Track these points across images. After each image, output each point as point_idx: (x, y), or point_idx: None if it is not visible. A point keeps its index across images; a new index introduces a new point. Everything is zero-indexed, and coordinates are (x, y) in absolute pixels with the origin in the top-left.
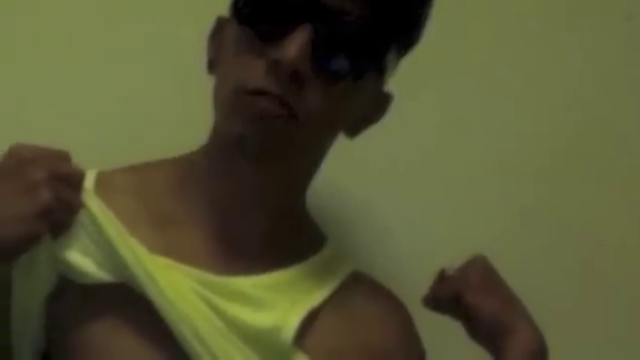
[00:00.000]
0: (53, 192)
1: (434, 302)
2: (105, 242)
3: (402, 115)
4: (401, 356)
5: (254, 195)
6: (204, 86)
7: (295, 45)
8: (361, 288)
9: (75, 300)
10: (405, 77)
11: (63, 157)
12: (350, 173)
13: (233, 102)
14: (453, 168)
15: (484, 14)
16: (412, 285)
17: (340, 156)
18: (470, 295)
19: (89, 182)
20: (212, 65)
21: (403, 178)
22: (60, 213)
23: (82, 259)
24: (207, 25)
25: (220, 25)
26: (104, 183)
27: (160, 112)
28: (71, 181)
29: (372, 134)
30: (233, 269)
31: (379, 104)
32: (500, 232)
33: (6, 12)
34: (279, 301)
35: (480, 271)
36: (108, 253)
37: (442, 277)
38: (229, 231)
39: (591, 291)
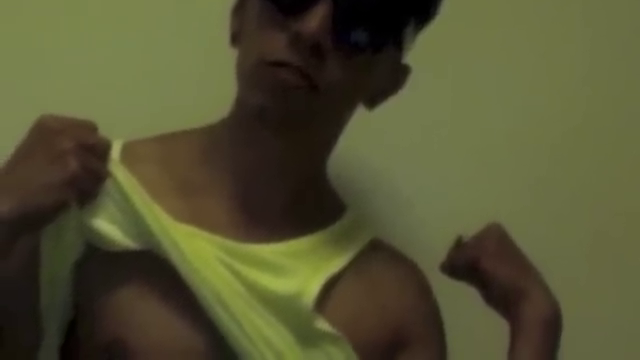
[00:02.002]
0: (80, 161)
1: (451, 269)
2: (131, 210)
3: (421, 87)
4: (419, 321)
5: (276, 165)
6: (228, 59)
7: (316, 18)
8: (380, 255)
9: (101, 267)
10: (423, 50)
11: (90, 127)
12: (369, 144)
13: (255, 74)
14: (470, 140)
15: None
16: (430, 252)
17: (360, 127)
18: (486, 261)
19: (115, 152)
20: (235, 38)
21: (421, 149)
22: (87, 182)
23: (108, 227)
24: None
25: None
26: (130, 153)
27: (185, 84)
28: (98, 151)
29: (391, 105)
30: (255, 236)
31: (397, 76)
32: (514, 202)
33: None
34: (300, 268)
35: (496, 238)
36: (134, 221)
37: (459, 244)
38: (251, 200)
39: (602, 261)
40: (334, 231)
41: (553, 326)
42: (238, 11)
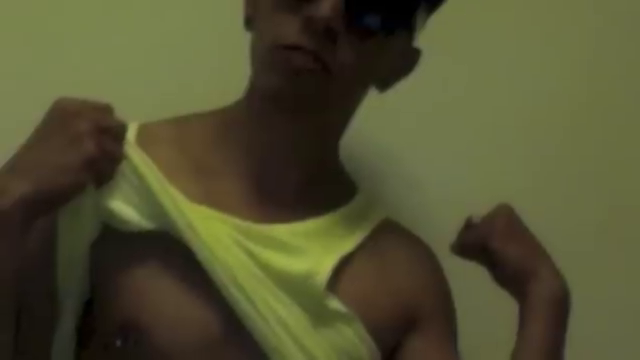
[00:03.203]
0: (97, 143)
1: (461, 248)
2: (146, 191)
3: (431, 69)
4: (429, 300)
5: (289, 147)
6: (242, 42)
7: (329, 2)
8: (391, 235)
9: (117, 247)
10: (434, 32)
11: (106, 110)
12: (381, 125)
13: (269, 57)
14: (480, 122)
15: None
16: (440, 233)
17: (371, 109)
18: (496, 241)
19: (131, 134)
20: (249, 22)
21: (432, 130)
22: (103, 163)
23: (124, 207)
24: None
25: None
26: (145, 135)
27: (199, 67)
28: (114, 133)
29: (403, 87)
30: (269, 217)
31: (409, 59)
32: (524, 183)
33: None
34: (313, 248)
35: (506, 219)
36: (149, 202)
37: (469, 224)
38: (265, 181)
39: (612, 241)
40: (346, 212)
41: (562, 305)
42: None
